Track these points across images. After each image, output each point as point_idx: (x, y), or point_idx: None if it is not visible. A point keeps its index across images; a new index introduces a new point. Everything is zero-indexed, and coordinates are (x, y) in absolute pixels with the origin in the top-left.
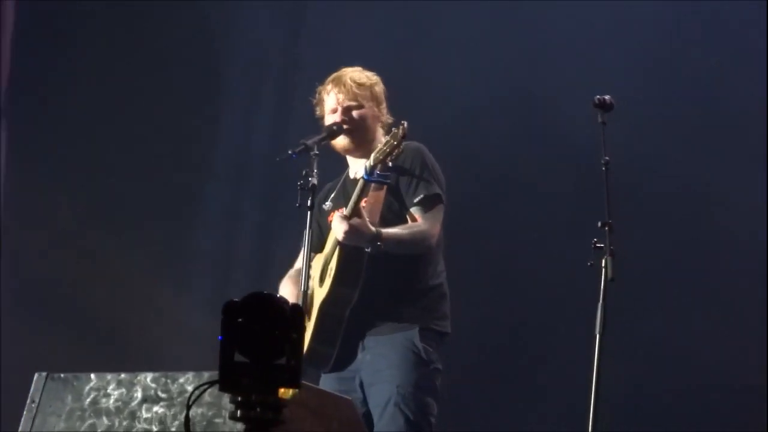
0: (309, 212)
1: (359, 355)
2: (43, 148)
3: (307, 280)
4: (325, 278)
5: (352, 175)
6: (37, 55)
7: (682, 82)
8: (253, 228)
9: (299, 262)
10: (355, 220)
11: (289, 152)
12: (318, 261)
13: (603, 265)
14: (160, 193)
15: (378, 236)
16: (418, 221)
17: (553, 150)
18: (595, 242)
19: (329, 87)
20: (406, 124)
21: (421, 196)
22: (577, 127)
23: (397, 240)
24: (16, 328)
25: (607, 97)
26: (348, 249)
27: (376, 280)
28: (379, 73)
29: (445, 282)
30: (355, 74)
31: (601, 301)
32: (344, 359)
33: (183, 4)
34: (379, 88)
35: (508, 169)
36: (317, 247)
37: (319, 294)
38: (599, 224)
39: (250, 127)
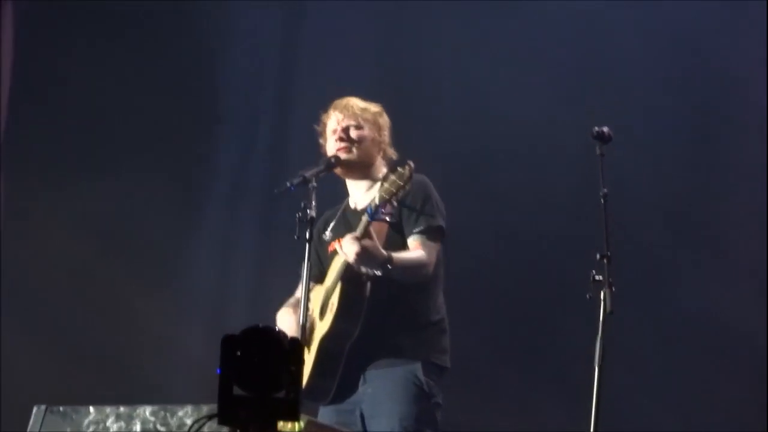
0: (307, 244)
1: (360, 388)
2: (40, 178)
3: (306, 313)
4: (326, 312)
5: (352, 205)
6: (33, 91)
7: (679, 113)
8: (252, 260)
9: (299, 291)
10: (367, 242)
11: (288, 184)
12: (318, 293)
13: (602, 297)
14: (158, 223)
15: (389, 259)
16: (419, 249)
17: (551, 180)
18: (594, 275)
19: (331, 111)
20: (412, 165)
21: (422, 227)
22: (575, 157)
23: (404, 265)
24: (15, 360)
25: (605, 128)
26: (350, 284)
27: (377, 314)
28: (377, 100)
29: (445, 317)
30: (357, 100)
31: (600, 333)
32: (344, 391)
33: (182, 32)
34: (382, 118)
35: (504, 198)
36: (317, 277)
37: (320, 328)
38: (598, 256)
39: (247, 158)
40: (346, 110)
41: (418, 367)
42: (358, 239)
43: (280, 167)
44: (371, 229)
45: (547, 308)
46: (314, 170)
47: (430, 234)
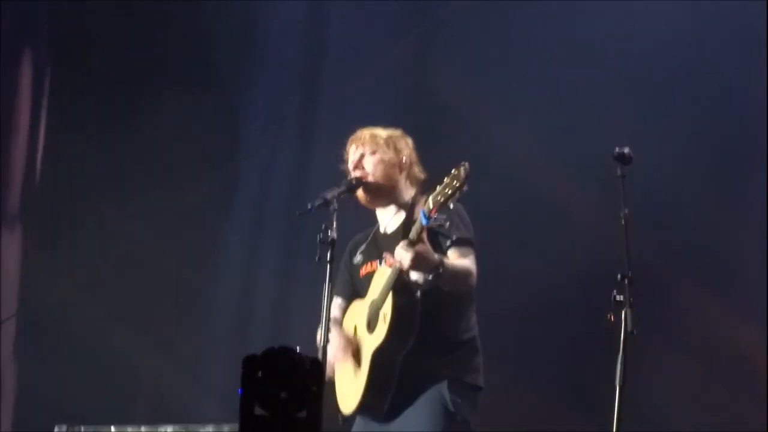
0: (329, 266)
1: (391, 409)
2: (65, 202)
3: (327, 333)
4: (375, 325)
5: (381, 230)
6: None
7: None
8: (274, 281)
9: (334, 309)
10: (420, 247)
11: (309, 206)
12: (359, 308)
13: (623, 317)
14: (181, 246)
15: (441, 263)
16: (462, 259)
17: (570, 200)
18: (615, 295)
19: (348, 146)
20: (468, 165)
21: (456, 237)
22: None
23: (455, 271)
24: (39, 380)
25: (626, 149)
26: (402, 295)
27: (430, 327)
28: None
29: (477, 336)
30: (373, 129)
31: (621, 353)
32: (398, 407)
33: (200, 59)
34: (401, 140)
35: (524, 218)
36: (349, 296)
37: (370, 341)
38: (619, 277)
39: (268, 181)
40: (359, 140)
41: (443, 385)
42: (412, 245)
43: (301, 190)
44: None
45: (568, 329)
46: (335, 192)
47: (465, 246)
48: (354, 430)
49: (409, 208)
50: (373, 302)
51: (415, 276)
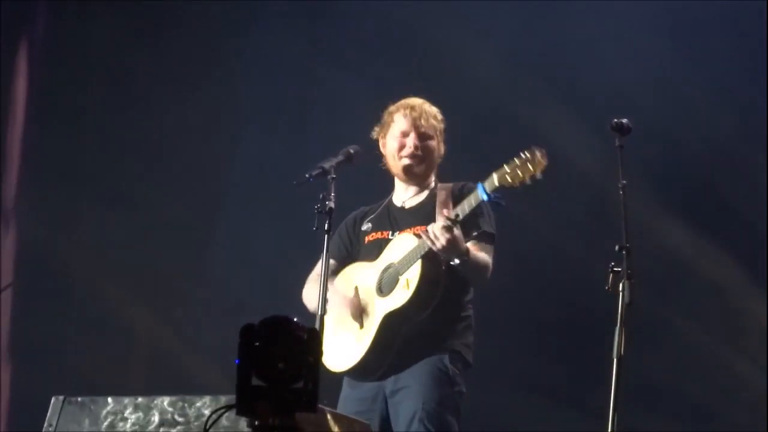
0: (326, 235)
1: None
2: (60, 178)
3: (324, 303)
4: (393, 289)
5: (398, 203)
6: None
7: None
8: (270, 250)
9: (318, 268)
10: (457, 232)
11: (306, 175)
12: (361, 270)
13: (620, 289)
14: (176, 216)
15: (467, 252)
16: (481, 252)
17: (568, 172)
18: (613, 266)
19: (406, 111)
20: (545, 151)
21: (484, 230)
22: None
23: (475, 262)
24: (36, 350)
25: (624, 120)
26: (432, 266)
27: (447, 302)
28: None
29: (472, 315)
30: (430, 106)
31: (618, 325)
32: (391, 371)
33: (199, 31)
34: (443, 126)
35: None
36: (343, 258)
37: (382, 304)
38: (617, 248)
39: (266, 149)
40: (424, 116)
41: (446, 356)
42: (449, 229)
43: (299, 159)
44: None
45: (566, 301)
46: (333, 161)
47: (489, 239)
48: (343, 403)
49: (430, 191)
50: (390, 266)
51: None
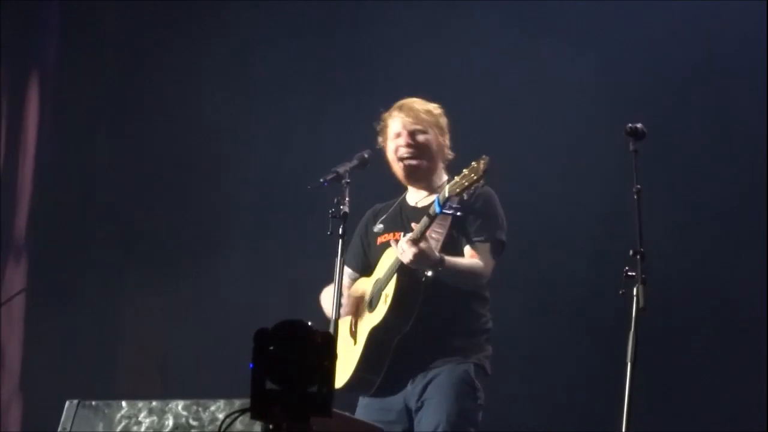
0: (341, 240)
1: (408, 387)
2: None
3: (339, 308)
4: (377, 304)
5: (411, 203)
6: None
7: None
8: (285, 255)
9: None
10: (423, 244)
11: (321, 180)
12: (365, 284)
13: (635, 293)
14: (192, 220)
15: (441, 262)
16: (476, 258)
17: (583, 175)
18: (627, 270)
19: (395, 113)
20: (488, 159)
21: (484, 237)
22: (607, 154)
23: (456, 269)
24: (48, 355)
25: (638, 125)
26: (406, 279)
27: (429, 314)
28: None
29: (490, 325)
30: (421, 102)
31: (632, 329)
32: (389, 386)
33: (212, 33)
34: (444, 120)
35: (535, 196)
36: (360, 269)
37: (370, 319)
38: (631, 252)
39: (280, 154)
40: (411, 113)
41: (470, 367)
42: (416, 242)
43: (314, 164)
44: (428, 232)
45: (578, 305)
46: (347, 166)
47: (492, 247)
48: (364, 410)
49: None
50: (377, 281)
51: (421, 258)
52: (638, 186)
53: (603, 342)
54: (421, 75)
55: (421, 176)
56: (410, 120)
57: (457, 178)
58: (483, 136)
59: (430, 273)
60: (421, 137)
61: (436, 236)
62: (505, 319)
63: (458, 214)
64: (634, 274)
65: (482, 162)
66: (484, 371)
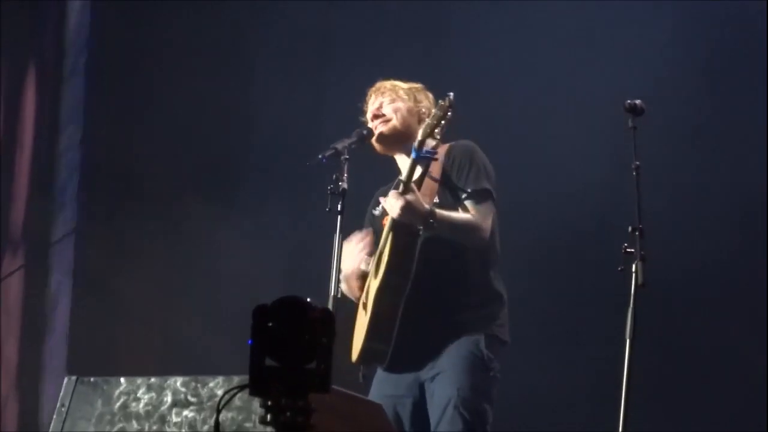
0: (339, 217)
1: (419, 361)
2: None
3: (338, 285)
4: (379, 269)
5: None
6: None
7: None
8: (284, 231)
9: (363, 265)
10: (410, 196)
11: (319, 156)
12: (374, 260)
13: (633, 270)
14: (190, 198)
15: (432, 214)
16: (473, 213)
17: (582, 153)
18: (626, 247)
19: (368, 95)
20: (452, 95)
21: (470, 189)
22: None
23: (450, 223)
24: (48, 332)
25: (637, 101)
26: (399, 236)
27: (430, 273)
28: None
29: (504, 290)
30: (393, 81)
31: (631, 306)
32: (400, 360)
33: (215, 7)
34: (420, 92)
35: (533, 175)
36: (372, 252)
37: (374, 285)
38: (630, 229)
39: (280, 130)
40: (379, 90)
41: (480, 339)
42: (402, 194)
43: (313, 140)
44: (414, 185)
45: (578, 283)
46: (346, 142)
47: (478, 197)
48: (382, 377)
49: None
50: (380, 249)
51: (412, 211)
52: (637, 163)
53: (602, 319)
54: (423, 55)
55: (392, 141)
56: (377, 96)
57: (427, 120)
58: (483, 113)
59: (421, 228)
60: (387, 106)
61: (425, 198)
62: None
63: (435, 157)
64: (633, 250)
65: (447, 99)
66: (499, 340)
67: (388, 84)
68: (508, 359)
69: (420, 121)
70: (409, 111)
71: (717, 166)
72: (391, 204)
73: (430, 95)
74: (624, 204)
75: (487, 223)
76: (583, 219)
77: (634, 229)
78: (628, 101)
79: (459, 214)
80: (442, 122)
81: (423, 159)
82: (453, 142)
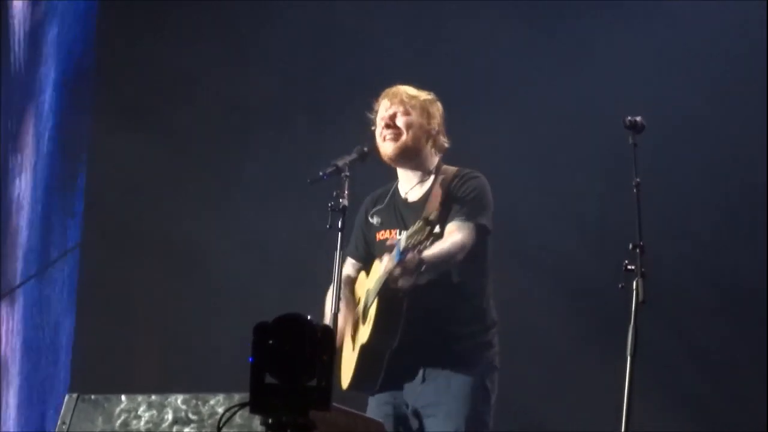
0: (340, 233)
1: (418, 386)
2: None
3: (338, 302)
4: (366, 318)
5: (403, 193)
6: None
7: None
8: (284, 248)
9: (348, 268)
10: (398, 271)
11: (320, 174)
12: (363, 284)
13: (634, 287)
14: (191, 213)
15: (421, 263)
16: (454, 232)
17: (583, 169)
18: (626, 264)
19: (381, 99)
20: (434, 222)
21: (465, 216)
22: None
23: (436, 261)
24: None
25: (638, 118)
26: (386, 302)
27: (419, 325)
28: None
29: (495, 319)
30: (408, 87)
31: (632, 323)
32: (389, 386)
33: (212, 21)
34: (433, 105)
35: (535, 191)
36: (363, 257)
37: (362, 332)
38: (630, 246)
39: (279, 147)
40: (395, 97)
41: (486, 371)
42: (400, 273)
43: (314, 157)
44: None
45: (578, 299)
46: (346, 159)
47: (473, 226)
48: (371, 406)
49: (434, 180)
50: (368, 291)
51: (401, 282)
52: (637, 179)
53: (603, 335)
54: (422, 64)
55: (400, 156)
56: (392, 103)
57: (414, 229)
58: (483, 130)
59: (414, 277)
60: (401, 118)
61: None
62: (503, 312)
63: (420, 256)
64: (633, 267)
65: (428, 229)
66: (496, 368)
67: (403, 93)
68: (509, 379)
69: (429, 137)
70: (421, 128)
71: (718, 179)
72: (395, 279)
73: (440, 107)
74: (624, 221)
75: (469, 241)
76: (584, 235)
77: (634, 246)
78: (629, 118)
79: (442, 247)
80: (423, 245)
81: (407, 259)
82: (464, 170)
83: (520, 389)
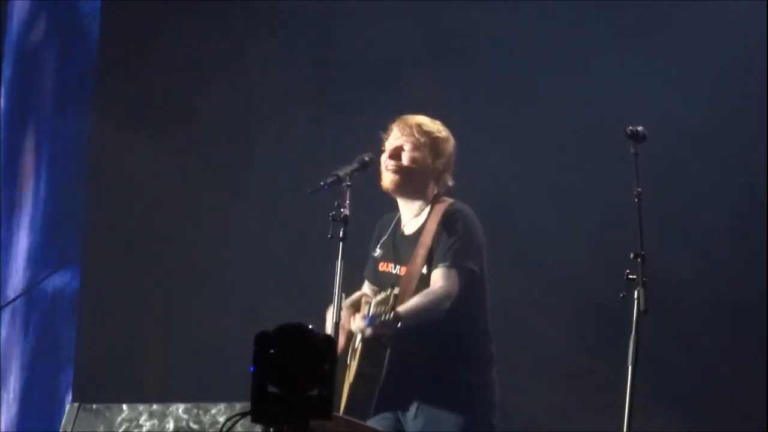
0: (341, 243)
1: (410, 421)
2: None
3: (339, 312)
4: (355, 355)
5: (402, 225)
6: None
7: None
8: (285, 258)
9: (365, 288)
10: (368, 332)
11: (321, 183)
12: (365, 303)
13: (635, 296)
14: (190, 224)
15: (396, 321)
16: (438, 282)
17: (584, 179)
18: (628, 273)
19: (394, 125)
20: (396, 292)
21: (449, 262)
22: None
23: (416, 315)
24: (44, 355)
25: (639, 128)
26: (368, 344)
27: (405, 362)
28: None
29: (492, 352)
30: (421, 118)
31: (633, 332)
32: (385, 404)
33: (213, 34)
34: (446, 143)
35: (536, 198)
36: (375, 280)
37: (352, 367)
38: (632, 255)
39: (280, 157)
40: (405, 128)
41: (490, 409)
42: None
43: (315, 166)
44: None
45: (580, 308)
46: (348, 169)
47: (457, 271)
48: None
49: (429, 213)
50: (353, 343)
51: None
52: (639, 189)
53: (604, 345)
54: (422, 65)
55: (397, 190)
56: (402, 134)
57: (381, 298)
58: (484, 138)
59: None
60: (406, 153)
61: (410, 279)
62: (505, 321)
63: (388, 331)
64: (635, 277)
65: (393, 298)
66: (495, 403)
67: (415, 126)
68: (511, 389)
69: (432, 176)
70: (425, 166)
71: (719, 189)
72: (359, 328)
73: (453, 143)
74: (625, 230)
75: (452, 293)
76: (585, 245)
77: (635, 255)
78: (630, 128)
79: (420, 299)
80: (388, 314)
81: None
82: (455, 205)
83: (522, 398)
